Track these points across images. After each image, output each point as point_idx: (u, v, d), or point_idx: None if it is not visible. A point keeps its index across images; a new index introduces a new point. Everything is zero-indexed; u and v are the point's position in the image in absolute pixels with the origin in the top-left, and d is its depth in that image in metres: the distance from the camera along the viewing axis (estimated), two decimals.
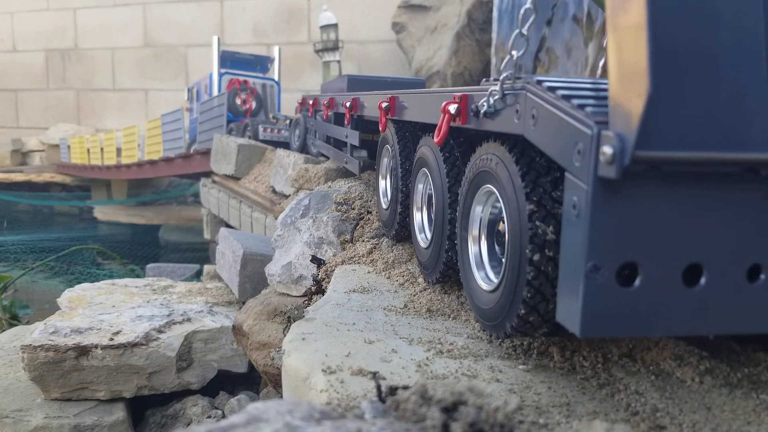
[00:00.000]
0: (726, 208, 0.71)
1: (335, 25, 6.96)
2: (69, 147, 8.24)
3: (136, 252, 6.01)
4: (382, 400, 0.68)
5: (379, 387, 0.71)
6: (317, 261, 1.55)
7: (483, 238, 1.03)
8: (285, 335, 1.30)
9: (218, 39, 5.48)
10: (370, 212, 1.76)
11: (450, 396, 0.60)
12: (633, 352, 0.92)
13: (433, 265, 1.24)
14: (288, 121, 3.99)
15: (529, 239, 0.80)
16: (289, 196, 2.60)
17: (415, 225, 1.39)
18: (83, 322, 2.09)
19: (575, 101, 0.71)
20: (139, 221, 7.46)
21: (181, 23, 8.80)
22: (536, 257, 0.80)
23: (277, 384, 1.59)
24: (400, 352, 0.90)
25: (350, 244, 1.60)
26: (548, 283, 0.81)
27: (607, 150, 0.64)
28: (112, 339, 1.99)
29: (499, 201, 0.93)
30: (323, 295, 1.37)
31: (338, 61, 6.87)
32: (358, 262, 1.44)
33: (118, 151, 7.14)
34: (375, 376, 0.80)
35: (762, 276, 0.73)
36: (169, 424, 2.05)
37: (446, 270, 1.19)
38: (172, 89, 7.51)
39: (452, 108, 1.04)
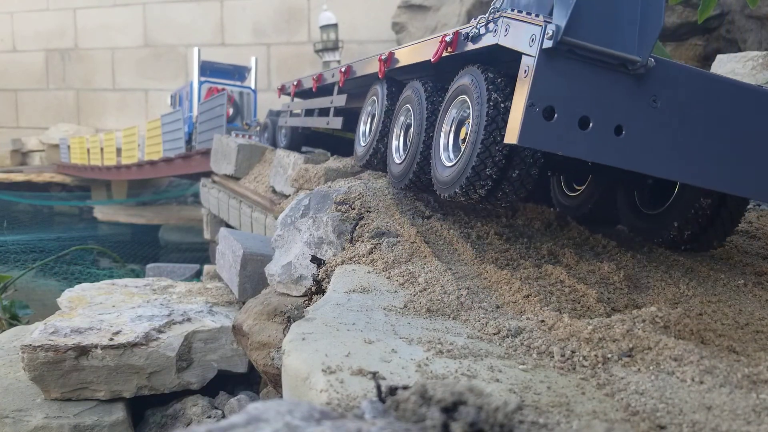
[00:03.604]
0: (608, 86, 1.19)
1: (335, 25, 6.96)
2: (69, 147, 8.24)
3: (136, 252, 6.01)
4: (382, 400, 0.68)
5: (379, 387, 0.70)
6: (317, 261, 1.55)
7: (451, 133, 1.54)
8: (285, 335, 1.30)
9: (198, 50, 5.84)
10: (370, 211, 1.76)
11: (450, 396, 0.60)
12: (633, 352, 0.92)
13: (404, 175, 1.75)
14: (258, 127, 4.18)
15: (482, 136, 1.32)
16: (289, 196, 2.60)
17: (392, 147, 1.88)
18: (83, 322, 2.09)
19: (532, 15, 1.21)
20: (139, 221, 7.46)
21: (181, 23, 8.80)
22: (482, 145, 1.31)
23: (277, 384, 1.59)
24: (399, 352, 0.90)
25: (350, 244, 1.60)
26: (490, 158, 1.33)
27: (549, 31, 1.12)
28: (112, 339, 1.99)
29: (468, 108, 1.43)
30: (323, 295, 1.36)
31: (338, 61, 6.87)
32: (358, 262, 1.44)
33: (118, 151, 7.15)
34: (375, 376, 0.80)
35: (623, 132, 1.21)
36: (169, 424, 2.05)
37: (414, 178, 1.69)
38: (171, 89, 7.51)
39: (448, 38, 1.50)
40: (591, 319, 1.04)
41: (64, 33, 9.43)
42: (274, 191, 2.93)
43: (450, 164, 1.49)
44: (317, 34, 7.20)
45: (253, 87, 5.83)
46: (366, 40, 7.75)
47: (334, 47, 6.89)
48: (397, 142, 1.87)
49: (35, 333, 2.01)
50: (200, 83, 5.72)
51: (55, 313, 2.27)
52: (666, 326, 1.00)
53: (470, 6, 4.93)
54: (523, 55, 1.19)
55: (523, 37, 1.20)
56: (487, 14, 1.35)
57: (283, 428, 0.52)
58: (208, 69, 5.93)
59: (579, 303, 1.17)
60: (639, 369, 0.88)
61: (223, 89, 5.43)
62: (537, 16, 1.19)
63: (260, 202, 2.97)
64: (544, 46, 1.13)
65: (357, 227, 1.65)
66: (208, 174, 4.31)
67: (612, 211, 1.85)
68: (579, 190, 1.95)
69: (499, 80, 1.35)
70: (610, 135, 1.20)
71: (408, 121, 1.81)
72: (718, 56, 2.92)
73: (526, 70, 1.17)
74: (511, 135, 1.19)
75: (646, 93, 1.20)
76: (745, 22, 4.06)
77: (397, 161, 1.82)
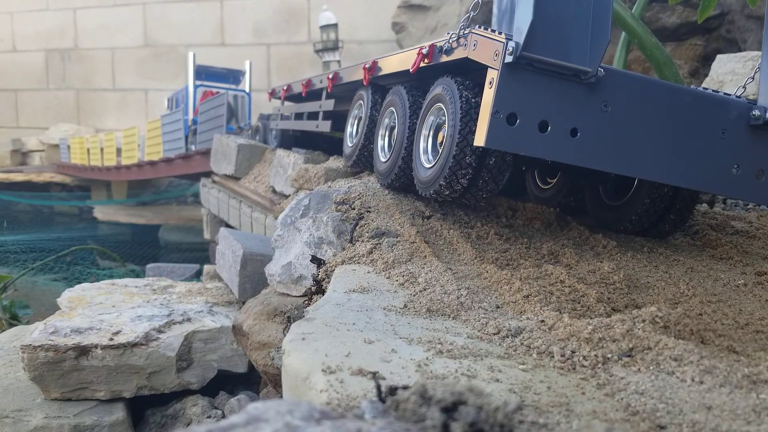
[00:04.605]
0: (564, 94, 1.34)
1: (335, 25, 6.96)
2: (69, 147, 8.24)
3: (136, 252, 6.01)
4: (382, 400, 0.68)
5: (378, 387, 0.70)
6: (317, 261, 1.55)
7: (430, 137, 1.68)
8: (285, 335, 1.30)
9: (193, 54, 5.99)
10: (370, 211, 1.76)
11: (450, 396, 0.60)
12: (633, 351, 0.92)
13: (389, 172, 1.86)
14: (249, 130, 4.27)
15: (459, 128, 1.46)
16: (289, 196, 2.60)
17: (378, 147, 2.00)
18: (83, 322, 2.09)
19: (496, 32, 1.36)
20: (139, 221, 7.46)
21: (181, 23, 8.79)
22: (460, 135, 1.45)
23: (277, 384, 1.59)
24: (399, 352, 0.90)
25: (350, 244, 1.60)
26: (468, 147, 1.46)
27: (510, 47, 1.27)
28: (112, 339, 1.99)
29: (444, 115, 1.58)
30: (323, 295, 1.36)
31: (338, 61, 6.87)
32: (358, 262, 1.44)
33: (118, 151, 7.15)
34: (375, 376, 0.80)
35: (578, 134, 1.36)
36: (169, 424, 2.05)
37: (397, 175, 1.82)
38: (171, 89, 7.52)
39: (425, 50, 1.65)
40: (591, 319, 1.04)
41: (64, 33, 9.42)
42: (274, 191, 2.93)
43: (429, 165, 1.62)
44: (317, 34, 7.20)
45: (247, 90, 5.93)
46: (366, 40, 7.75)
47: (334, 47, 6.89)
48: (382, 142, 2.00)
49: (35, 333, 2.01)
50: (195, 87, 5.89)
51: (55, 313, 2.27)
52: (666, 326, 1.00)
53: (470, 6, 4.93)
54: (489, 68, 1.34)
55: (489, 52, 1.35)
56: (458, 29, 1.50)
57: (283, 428, 0.52)
58: (203, 73, 6.10)
59: (579, 303, 1.17)
60: (639, 369, 0.88)
61: (217, 92, 5.51)
62: (500, 33, 1.34)
63: (260, 202, 2.97)
64: (505, 61, 1.28)
65: (357, 227, 1.65)
66: (208, 174, 4.31)
67: (582, 200, 2.00)
68: (551, 183, 2.10)
69: (467, 82, 1.52)
70: (566, 137, 1.35)
71: (392, 123, 1.95)
72: (718, 56, 2.92)
73: (491, 81, 1.32)
74: (480, 138, 1.34)
75: (597, 99, 1.36)
76: (745, 22, 4.06)
77: (383, 159, 1.95)
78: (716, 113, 1.46)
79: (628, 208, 1.78)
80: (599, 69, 1.33)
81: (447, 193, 1.57)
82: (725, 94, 1.56)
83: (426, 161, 1.66)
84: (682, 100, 1.44)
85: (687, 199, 1.73)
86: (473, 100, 1.46)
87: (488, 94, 1.33)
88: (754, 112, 1.48)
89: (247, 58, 6.67)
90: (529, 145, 1.33)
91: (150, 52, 8.99)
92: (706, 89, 1.55)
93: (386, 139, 1.99)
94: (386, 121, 1.99)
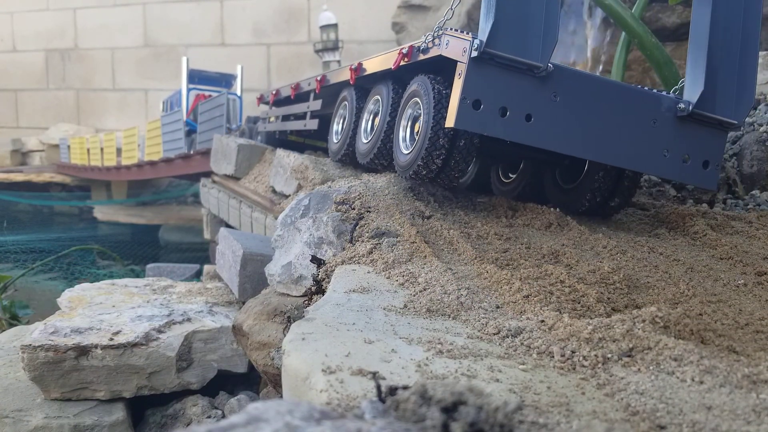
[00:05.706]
0: (520, 85, 1.58)
1: (335, 25, 6.95)
2: (69, 147, 8.23)
3: (136, 252, 6.01)
4: (381, 400, 0.68)
5: (378, 387, 0.70)
6: (317, 261, 1.55)
7: (408, 127, 1.93)
8: (285, 335, 1.30)
9: (187, 59, 6.17)
10: (370, 211, 1.76)
11: (450, 396, 0.60)
12: (633, 352, 0.92)
13: (368, 154, 2.13)
14: (238, 132, 4.44)
15: (432, 114, 1.70)
16: (289, 196, 2.60)
17: (361, 132, 2.23)
18: (83, 322, 2.08)
19: (464, 33, 1.61)
20: (139, 221, 7.46)
21: (181, 23, 8.79)
22: (434, 120, 1.70)
23: (277, 384, 1.59)
24: (399, 352, 0.90)
25: (350, 244, 1.60)
26: (441, 131, 1.70)
27: (475, 44, 1.52)
28: (112, 339, 1.99)
29: (420, 108, 1.81)
30: (323, 295, 1.36)
31: (338, 61, 6.86)
32: (358, 262, 1.44)
33: (118, 151, 7.15)
34: (375, 376, 0.80)
35: (532, 119, 1.61)
36: (169, 424, 2.05)
37: (374, 157, 2.09)
38: (171, 89, 7.52)
39: (404, 50, 1.90)
40: (591, 319, 1.04)
41: (64, 33, 9.42)
42: (274, 191, 2.93)
43: (408, 151, 1.86)
44: (317, 34, 7.20)
45: (238, 93, 6.04)
46: (366, 40, 7.75)
47: (334, 47, 6.89)
48: (365, 125, 2.24)
49: (35, 333, 2.01)
50: (188, 90, 6.05)
51: (55, 313, 2.26)
52: (666, 326, 1.00)
53: (470, 6, 4.93)
54: (458, 62, 1.59)
55: (458, 49, 1.61)
56: (433, 32, 1.73)
57: (283, 428, 0.52)
58: (195, 76, 6.25)
59: (579, 303, 1.17)
60: (639, 369, 0.88)
61: (209, 95, 5.59)
62: (468, 33, 1.59)
63: (260, 202, 2.97)
64: (472, 56, 1.54)
65: (357, 227, 1.65)
66: (208, 174, 4.31)
67: (537, 192, 2.25)
68: (512, 177, 2.37)
69: (439, 78, 1.77)
70: (522, 121, 1.60)
71: (376, 108, 2.19)
72: None
73: (460, 73, 1.58)
74: (450, 120, 1.60)
75: (548, 90, 1.61)
76: None
77: (364, 141, 2.20)
78: (648, 106, 1.71)
79: (580, 190, 2.01)
80: (549, 65, 1.56)
81: (424, 173, 1.78)
82: (657, 90, 1.82)
83: (405, 148, 1.90)
84: (619, 93, 1.69)
85: (628, 184, 1.97)
86: (444, 92, 1.71)
87: (457, 84, 1.58)
88: (680, 105, 1.72)
89: (247, 58, 6.70)
90: (491, 127, 1.58)
91: (150, 52, 8.99)
92: (642, 87, 1.82)
93: (370, 122, 2.23)
94: (371, 106, 2.22)
